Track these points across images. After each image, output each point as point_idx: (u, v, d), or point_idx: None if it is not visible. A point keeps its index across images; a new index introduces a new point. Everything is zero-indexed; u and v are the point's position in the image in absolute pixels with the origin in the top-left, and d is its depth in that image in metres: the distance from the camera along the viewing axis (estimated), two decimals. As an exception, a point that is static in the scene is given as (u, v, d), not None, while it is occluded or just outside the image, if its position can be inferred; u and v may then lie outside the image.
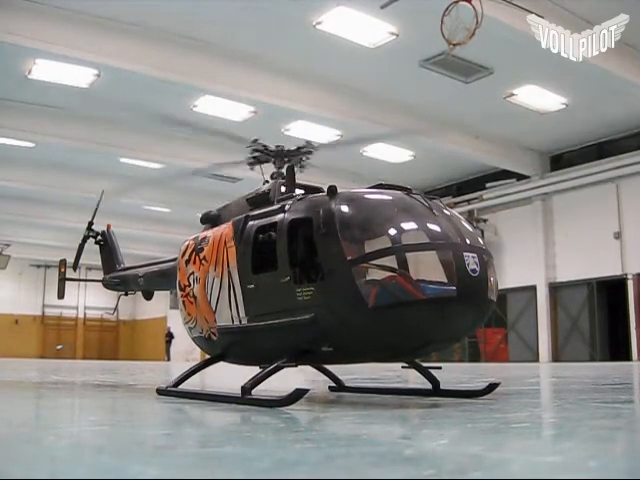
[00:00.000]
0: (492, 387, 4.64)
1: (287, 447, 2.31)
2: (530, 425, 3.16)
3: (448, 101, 16.78)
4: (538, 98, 16.65)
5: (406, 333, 3.88)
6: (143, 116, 15.07)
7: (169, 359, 31.76)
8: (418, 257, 3.80)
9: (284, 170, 5.08)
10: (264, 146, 5.23)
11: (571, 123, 18.24)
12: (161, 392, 5.04)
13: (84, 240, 7.61)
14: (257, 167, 5.52)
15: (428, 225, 3.91)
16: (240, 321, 4.49)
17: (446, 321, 3.84)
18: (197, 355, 23.67)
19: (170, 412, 4.11)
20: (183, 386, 4.98)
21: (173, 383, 5.03)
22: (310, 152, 5.24)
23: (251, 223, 4.55)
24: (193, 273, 5.00)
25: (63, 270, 7.72)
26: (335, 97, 16.18)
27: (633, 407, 4.40)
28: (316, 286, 3.95)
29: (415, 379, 6.57)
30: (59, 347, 35.79)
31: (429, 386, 4.76)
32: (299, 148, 5.22)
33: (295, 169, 5.03)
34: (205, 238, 4.99)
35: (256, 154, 5.31)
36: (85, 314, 38.55)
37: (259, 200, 4.81)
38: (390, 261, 3.72)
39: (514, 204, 22.18)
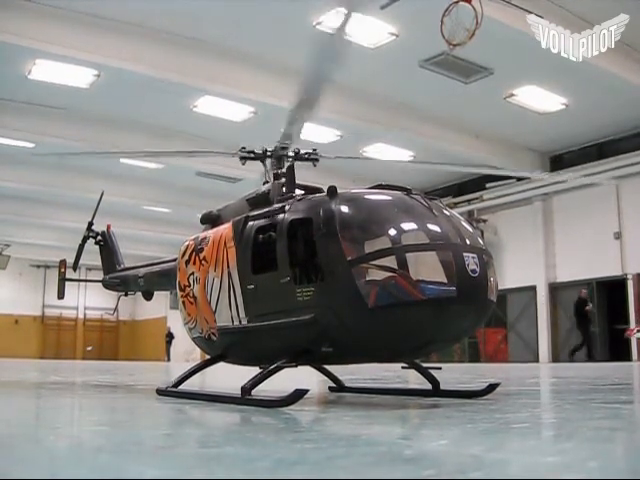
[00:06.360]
0: (492, 387, 4.63)
1: (287, 447, 2.31)
2: (530, 425, 3.16)
3: (448, 101, 16.78)
4: (538, 98, 16.65)
5: (406, 333, 3.87)
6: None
7: (169, 359, 31.74)
8: (418, 257, 3.80)
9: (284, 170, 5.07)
10: (250, 151, 5.22)
11: (571, 123, 18.24)
12: (161, 392, 5.03)
13: (84, 240, 7.60)
14: (260, 167, 5.49)
15: (428, 225, 3.90)
16: (240, 321, 4.49)
17: (446, 321, 3.84)
18: (197, 355, 23.65)
19: (170, 412, 4.11)
20: (183, 386, 4.98)
21: (173, 383, 5.03)
22: (317, 160, 5.23)
23: (251, 223, 4.54)
24: (193, 273, 5.00)
25: (63, 270, 7.72)
26: (335, 97, 16.15)
27: (633, 407, 4.40)
28: (316, 286, 3.95)
29: (415, 379, 6.57)
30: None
31: (429, 386, 4.75)
32: (307, 153, 5.22)
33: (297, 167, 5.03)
34: (205, 238, 4.98)
35: (247, 159, 5.28)
36: (85, 314, 38.54)
37: (259, 200, 4.80)
38: (390, 261, 3.71)
39: (514, 204, 22.18)
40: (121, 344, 39.94)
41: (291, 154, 5.11)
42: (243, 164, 5.37)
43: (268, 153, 5.17)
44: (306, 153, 5.17)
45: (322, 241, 3.95)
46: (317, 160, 5.23)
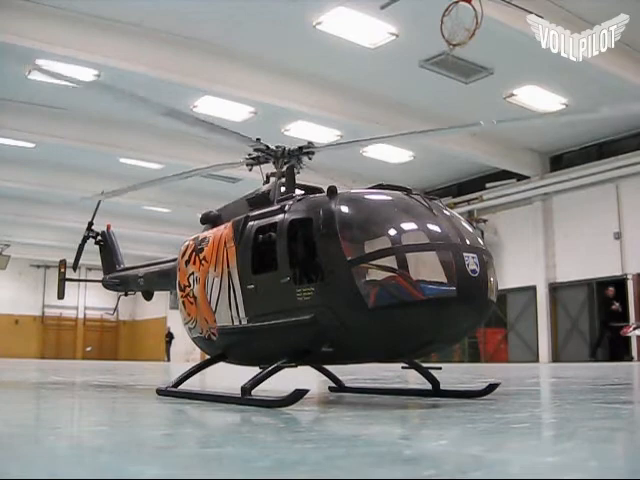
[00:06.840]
0: (492, 387, 4.64)
1: (287, 447, 2.31)
2: (530, 425, 3.16)
3: (448, 101, 16.77)
4: (538, 98, 16.63)
5: (406, 333, 3.88)
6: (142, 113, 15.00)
7: (169, 359, 31.74)
8: (418, 257, 3.80)
9: (284, 170, 5.07)
10: (266, 146, 5.19)
11: (571, 123, 18.22)
12: (161, 392, 5.03)
13: (84, 240, 7.60)
14: (257, 167, 5.49)
15: (428, 225, 3.91)
16: (240, 321, 4.49)
17: (446, 322, 3.84)
18: (197, 355, 23.66)
19: (170, 412, 4.11)
20: (183, 386, 4.98)
21: (173, 383, 5.03)
22: (312, 153, 5.21)
23: (251, 223, 4.55)
24: (193, 273, 5.00)
25: (63, 270, 7.71)
26: (335, 97, 16.17)
27: (633, 407, 4.40)
28: (316, 286, 3.95)
29: (415, 379, 6.57)
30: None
31: (429, 386, 4.75)
32: (300, 148, 5.18)
33: (295, 169, 5.03)
34: (205, 238, 4.99)
35: (257, 154, 5.28)
36: (85, 314, 38.53)
37: (259, 200, 4.80)
38: (390, 261, 3.71)
39: (514, 204, 22.18)
40: (121, 344, 39.93)
41: (286, 150, 5.09)
42: (250, 170, 5.39)
43: (271, 153, 5.16)
44: (300, 147, 5.14)
45: (322, 241, 3.95)
46: (312, 153, 5.19)
